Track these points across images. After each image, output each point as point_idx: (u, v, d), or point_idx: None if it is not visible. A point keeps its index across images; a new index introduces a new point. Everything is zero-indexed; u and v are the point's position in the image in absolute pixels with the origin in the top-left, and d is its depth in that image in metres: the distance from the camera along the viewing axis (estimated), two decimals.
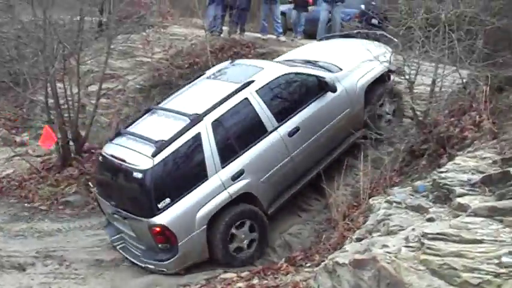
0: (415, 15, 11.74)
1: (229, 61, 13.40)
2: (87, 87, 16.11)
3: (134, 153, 10.51)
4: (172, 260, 10.26)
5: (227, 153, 10.58)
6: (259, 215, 10.90)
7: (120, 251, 11.32)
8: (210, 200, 10.32)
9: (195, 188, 10.30)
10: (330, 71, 12.12)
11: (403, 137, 11.16)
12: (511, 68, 10.94)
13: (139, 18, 18.08)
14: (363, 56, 12.17)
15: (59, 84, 14.83)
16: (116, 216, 10.88)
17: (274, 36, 19.72)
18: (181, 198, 10.20)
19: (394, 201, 7.84)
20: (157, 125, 11.24)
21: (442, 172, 8.07)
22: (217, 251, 10.55)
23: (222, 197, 10.43)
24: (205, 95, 11.44)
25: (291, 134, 11.14)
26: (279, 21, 19.92)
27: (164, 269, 10.44)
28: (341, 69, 12.16)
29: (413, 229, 6.73)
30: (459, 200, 7.10)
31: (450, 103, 10.75)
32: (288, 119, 11.20)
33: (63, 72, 14.80)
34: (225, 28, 20.33)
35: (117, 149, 10.96)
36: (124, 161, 10.51)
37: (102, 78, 15.54)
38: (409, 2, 12.72)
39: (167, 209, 10.10)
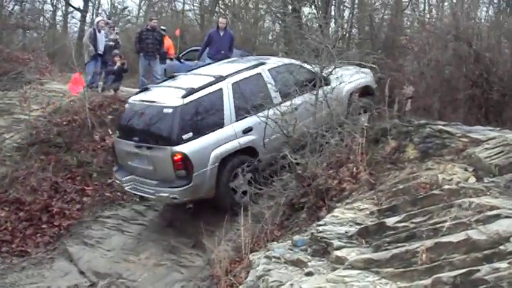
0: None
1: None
2: None
3: (165, 96, 12.49)
4: (185, 187, 11.70)
5: (241, 111, 12.28)
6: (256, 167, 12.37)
7: (130, 190, 12.93)
8: (223, 144, 12.03)
9: (213, 131, 12.05)
10: None
11: (283, 191, 11.17)
12: (386, 120, 11.21)
13: (16, 74, 17.63)
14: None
15: None
16: (137, 151, 12.39)
17: None
18: (202, 136, 11.90)
19: (273, 256, 7.78)
20: (184, 81, 13.15)
21: (320, 225, 8.11)
22: (225, 195, 12.09)
23: (233, 144, 12.15)
24: (225, 68, 13.45)
25: (295, 108, 12.40)
26: (159, 76, 19.63)
27: (176, 196, 11.81)
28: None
29: (291, 284, 6.68)
30: (337, 252, 7.13)
31: (328, 156, 10.86)
32: (290, 98, 12.44)
33: None
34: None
35: (146, 95, 13.03)
36: (154, 101, 12.49)
37: None
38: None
39: (189, 141, 11.76)
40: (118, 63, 19.17)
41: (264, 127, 12.12)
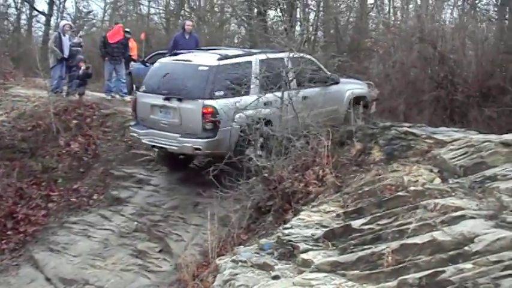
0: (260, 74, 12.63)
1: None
2: None
3: (200, 57, 13.40)
4: (210, 140, 12.34)
5: (264, 86, 12.78)
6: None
7: (147, 142, 13.56)
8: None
9: (240, 97, 12.43)
10: None
11: (249, 194, 11.14)
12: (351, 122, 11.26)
13: None
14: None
15: None
16: (165, 103, 12.92)
17: (119, 97, 19.19)
18: (231, 97, 12.41)
19: (240, 260, 7.75)
20: (216, 51, 14.09)
21: (286, 228, 8.10)
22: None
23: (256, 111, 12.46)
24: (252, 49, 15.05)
25: (304, 97, 13.05)
26: (124, 81, 19.52)
27: (200, 147, 12.42)
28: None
29: None
30: (303, 256, 7.13)
31: (294, 159, 10.86)
32: (303, 87, 13.21)
33: None
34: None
35: (179, 57, 13.95)
36: (190, 60, 13.35)
37: None
38: None
39: (220, 98, 12.42)
40: (83, 68, 18.99)
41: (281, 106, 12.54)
